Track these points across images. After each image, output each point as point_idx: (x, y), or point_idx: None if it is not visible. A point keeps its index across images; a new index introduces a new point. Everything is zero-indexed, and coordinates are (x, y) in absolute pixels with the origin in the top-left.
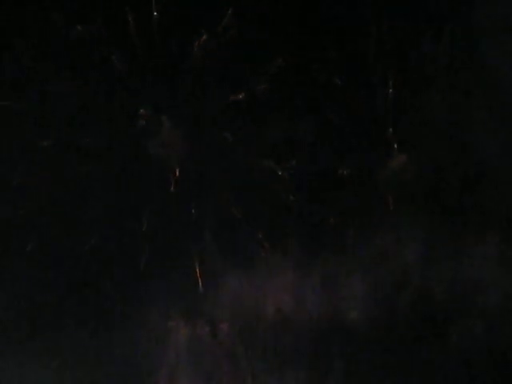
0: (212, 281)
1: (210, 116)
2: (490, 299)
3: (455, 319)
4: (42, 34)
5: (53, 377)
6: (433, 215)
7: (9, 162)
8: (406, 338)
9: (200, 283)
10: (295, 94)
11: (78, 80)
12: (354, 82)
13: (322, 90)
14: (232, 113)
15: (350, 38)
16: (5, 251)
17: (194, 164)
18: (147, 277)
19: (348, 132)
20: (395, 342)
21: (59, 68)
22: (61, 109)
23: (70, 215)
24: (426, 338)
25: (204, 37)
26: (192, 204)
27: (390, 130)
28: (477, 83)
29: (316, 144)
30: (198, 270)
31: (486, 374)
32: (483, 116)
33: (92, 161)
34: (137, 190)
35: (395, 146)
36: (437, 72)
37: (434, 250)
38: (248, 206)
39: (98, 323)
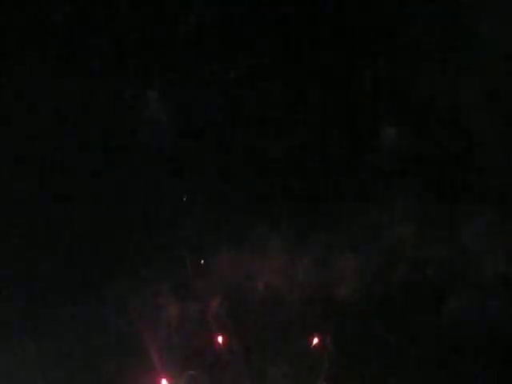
0: (202, 257)
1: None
2: (485, 274)
3: (449, 295)
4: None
5: (44, 352)
6: (426, 190)
7: None
8: (398, 314)
9: (189, 259)
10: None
11: None
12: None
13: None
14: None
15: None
16: None
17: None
18: (137, 252)
19: (337, 107)
20: (388, 319)
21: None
22: None
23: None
24: (419, 314)
25: None
26: (182, 179)
27: (381, 103)
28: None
29: (304, 120)
30: (187, 246)
31: (480, 348)
32: (478, 89)
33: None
34: (126, 165)
35: (386, 120)
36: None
37: (427, 226)
38: (238, 181)
39: (88, 298)
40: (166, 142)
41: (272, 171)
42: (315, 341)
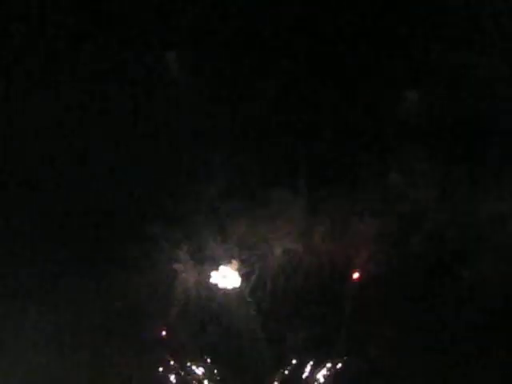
0: (219, 223)
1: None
2: (506, 240)
3: (468, 260)
4: None
5: (60, 319)
6: (447, 153)
7: None
8: (417, 280)
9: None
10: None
11: None
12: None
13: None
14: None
15: None
16: None
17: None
18: (154, 219)
19: (357, 69)
20: (407, 285)
21: None
22: None
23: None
24: (438, 280)
25: None
26: (200, 147)
27: (402, 65)
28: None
29: (324, 81)
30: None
31: (499, 313)
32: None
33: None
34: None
35: (407, 82)
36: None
37: (448, 190)
38: (258, 147)
39: (106, 265)
40: (184, 105)
41: (289, 136)
42: (333, 306)
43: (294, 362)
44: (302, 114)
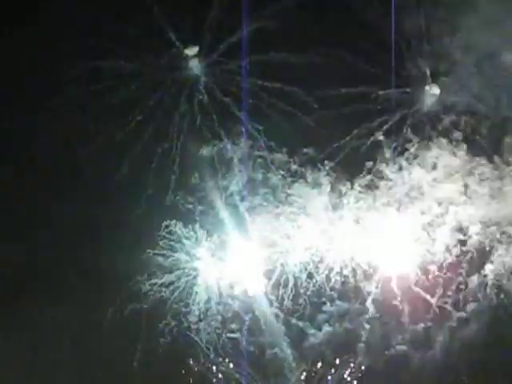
0: (241, 219)
1: None
2: None
3: (491, 257)
4: None
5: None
6: (469, 149)
7: None
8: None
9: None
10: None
11: None
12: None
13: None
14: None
15: None
16: None
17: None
18: (174, 217)
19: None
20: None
21: None
22: None
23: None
24: (460, 276)
25: None
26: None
27: (423, 57)
28: None
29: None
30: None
31: None
32: None
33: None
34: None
35: (428, 73)
36: None
37: (471, 188)
38: (277, 135)
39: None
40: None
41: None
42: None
43: (316, 360)
44: (323, 105)
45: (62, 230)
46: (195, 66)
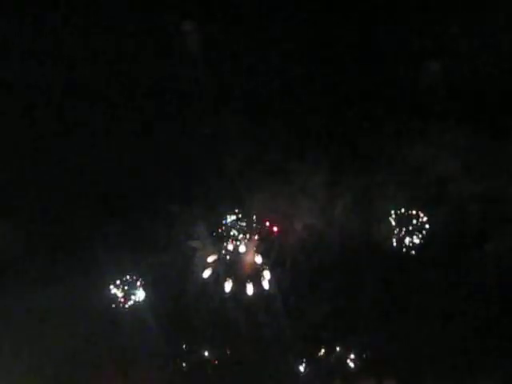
0: (238, 198)
1: None
2: None
3: (491, 232)
4: None
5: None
6: (473, 126)
7: None
8: (441, 251)
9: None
10: None
11: None
12: None
13: None
14: None
15: None
16: None
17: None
18: (170, 196)
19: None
20: (429, 258)
21: None
22: None
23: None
24: (462, 251)
25: None
26: (219, 120)
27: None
28: None
29: (347, 56)
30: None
31: None
32: None
33: None
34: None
35: (431, 54)
36: None
37: (472, 163)
38: (277, 121)
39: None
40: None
41: (311, 109)
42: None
43: (314, 337)
44: (324, 88)
45: None
46: None
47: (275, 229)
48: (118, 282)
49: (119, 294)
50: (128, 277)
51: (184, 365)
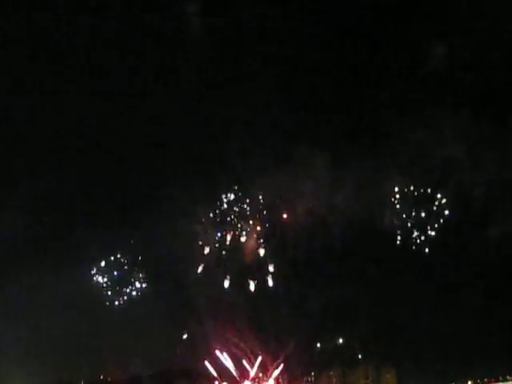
0: (240, 182)
1: None
2: None
3: (493, 218)
4: None
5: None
6: (476, 112)
7: None
8: (443, 237)
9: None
10: None
11: None
12: None
13: None
14: None
15: None
16: None
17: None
18: (171, 180)
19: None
20: (430, 244)
21: None
22: None
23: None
24: (463, 236)
25: None
26: (221, 103)
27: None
28: None
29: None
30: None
31: None
32: None
33: None
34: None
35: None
36: None
37: (475, 149)
38: (284, 107)
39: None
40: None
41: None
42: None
43: (314, 323)
44: (328, 71)
45: None
46: None
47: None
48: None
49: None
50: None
51: None
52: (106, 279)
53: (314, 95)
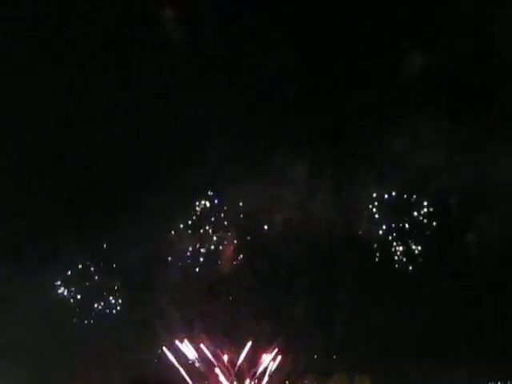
0: (218, 189)
1: None
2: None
3: (471, 222)
4: None
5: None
6: (454, 116)
7: None
8: (422, 242)
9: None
10: None
11: None
12: None
13: None
14: None
15: None
16: None
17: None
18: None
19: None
20: (410, 252)
21: None
22: None
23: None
24: (443, 241)
25: None
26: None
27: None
28: None
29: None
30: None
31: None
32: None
33: None
34: None
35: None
36: None
37: (453, 154)
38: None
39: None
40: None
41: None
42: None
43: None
44: (306, 77)
45: None
46: None
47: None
48: None
49: None
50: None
51: None
52: (71, 293)
53: (290, 99)
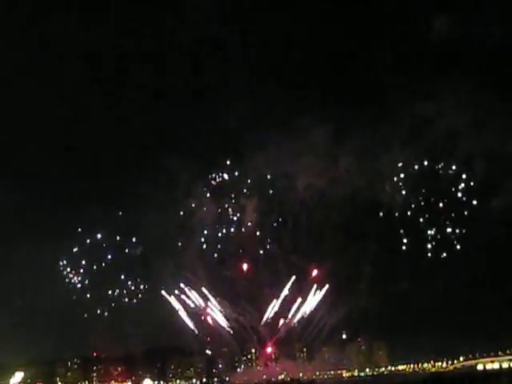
0: (239, 155)
1: None
2: None
3: (497, 188)
4: None
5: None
6: (480, 81)
7: None
8: (445, 208)
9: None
10: None
11: None
12: None
13: None
14: None
15: None
16: None
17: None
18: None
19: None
20: (433, 216)
21: None
22: None
23: None
24: (467, 207)
25: None
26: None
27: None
28: None
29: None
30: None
31: None
32: None
33: None
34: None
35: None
36: None
37: (478, 119)
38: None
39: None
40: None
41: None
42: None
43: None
44: (330, 40)
45: None
46: None
47: None
48: None
49: None
50: None
51: None
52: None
53: (315, 66)
